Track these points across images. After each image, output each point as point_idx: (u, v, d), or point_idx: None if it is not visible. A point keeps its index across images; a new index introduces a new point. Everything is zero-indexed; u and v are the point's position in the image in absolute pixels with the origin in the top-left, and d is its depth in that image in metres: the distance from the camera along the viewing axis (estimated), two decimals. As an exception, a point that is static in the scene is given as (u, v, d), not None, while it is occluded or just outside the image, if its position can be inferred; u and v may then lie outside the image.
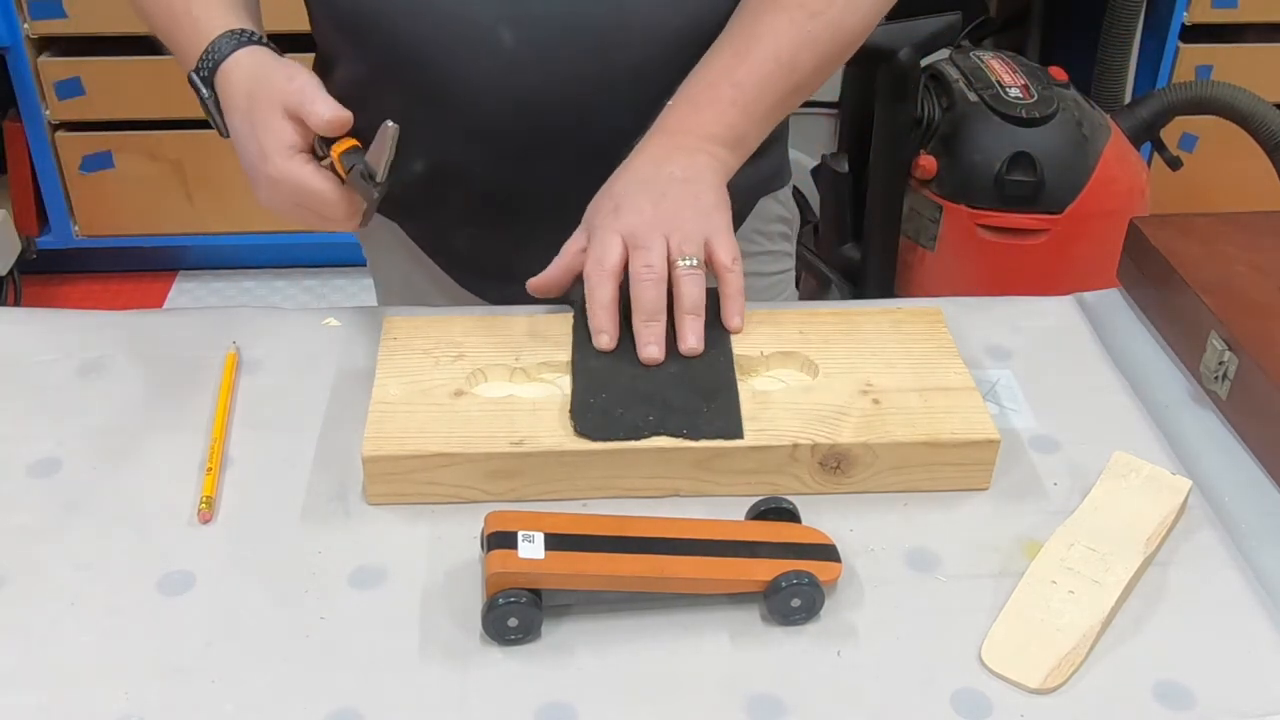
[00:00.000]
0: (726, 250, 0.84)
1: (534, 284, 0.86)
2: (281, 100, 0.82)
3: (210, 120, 0.89)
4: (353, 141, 0.82)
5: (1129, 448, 0.80)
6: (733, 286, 0.84)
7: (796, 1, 0.88)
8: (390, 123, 0.80)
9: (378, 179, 0.81)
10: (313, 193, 0.82)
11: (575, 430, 0.75)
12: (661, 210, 0.83)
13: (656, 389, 0.79)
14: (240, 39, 0.86)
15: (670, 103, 0.89)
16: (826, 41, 0.90)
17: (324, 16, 0.96)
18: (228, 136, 0.88)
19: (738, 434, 0.75)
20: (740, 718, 0.63)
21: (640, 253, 0.82)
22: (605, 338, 0.82)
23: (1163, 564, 0.73)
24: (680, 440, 0.75)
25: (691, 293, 0.82)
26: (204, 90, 0.87)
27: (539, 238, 0.97)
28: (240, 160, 0.87)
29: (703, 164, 0.86)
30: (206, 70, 0.86)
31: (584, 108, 0.91)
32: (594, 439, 0.75)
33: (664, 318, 0.82)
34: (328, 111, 0.81)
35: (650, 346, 0.81)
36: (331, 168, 0.82)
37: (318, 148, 0.83)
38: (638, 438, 0.75)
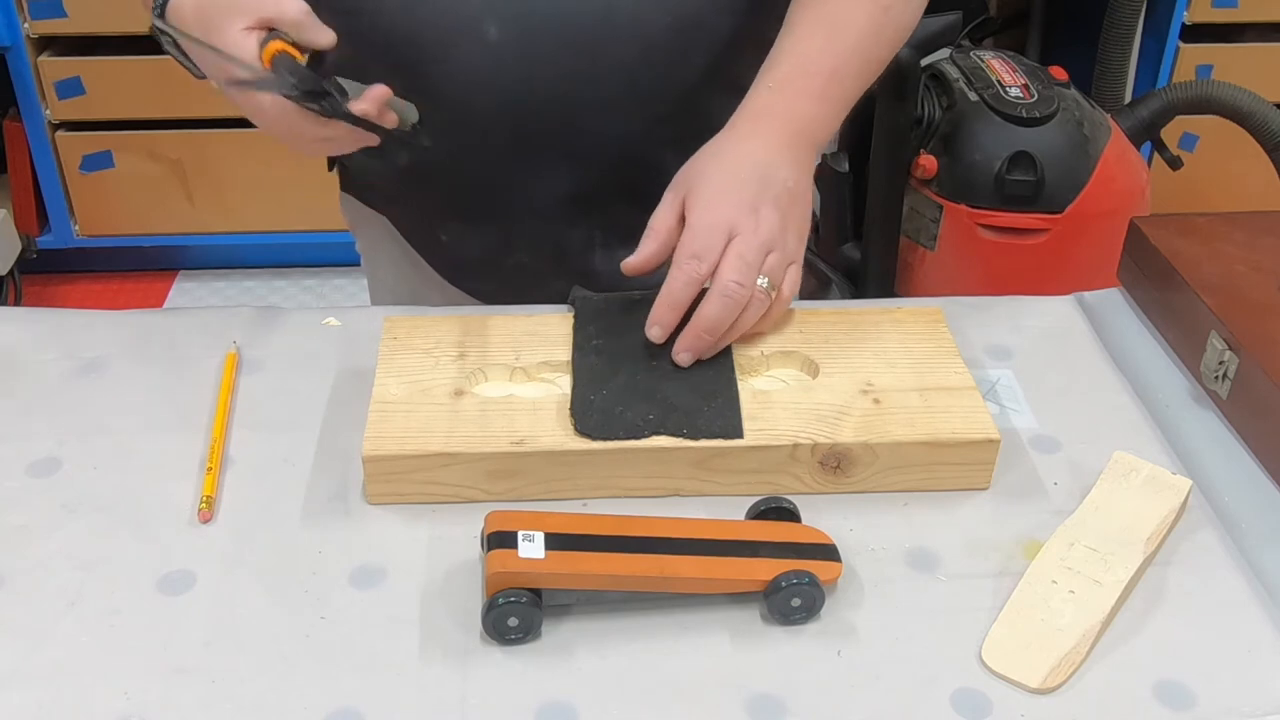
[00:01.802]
0: (793, 285, 0.83)
1: (630, 266, 0.83)
2: (242, 9, 0.79)
3: (184, 65, 0.85)
4: (283, 46, 0.78)
5: (1129, 448, 0.80)
6: (774, 314, 0.83)
7: None
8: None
9: (289, 76, 0.77)
10: (258, 102, 0.79)
11: (575, 429, 0.75)
12: (773, 222, 0.81)
13: (656, 387, 0.79)
14: None
15: (767, 83, 0.85)
16: (891, 36, 0.89)
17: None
18: (202, 77, 0.85)
19: (737, 434, 0.75)
20: (740, 718, 0.63)
21: (738, 264, 0.79)
22: (658, 330, 0.80)
23: (1163, 564, 0.73)
24: (680, 440, 0.75)
25: (750, 317, 0.81)
26: (160, 26, 0.82)
27: (523, 235, 0.97)
28: (211, 80, 0.84)
29: (804, 172, 0.84)
30: (158, 9, 0.82)
31: (571, 104, 0.91)
32: (594, 438, 0.75)
33: (719, 336, 0.80)
34: (325, 38, 0.79)
35: (687, 354, 0.80)
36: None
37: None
38: (638, 437, 0.75)
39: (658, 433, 0.75)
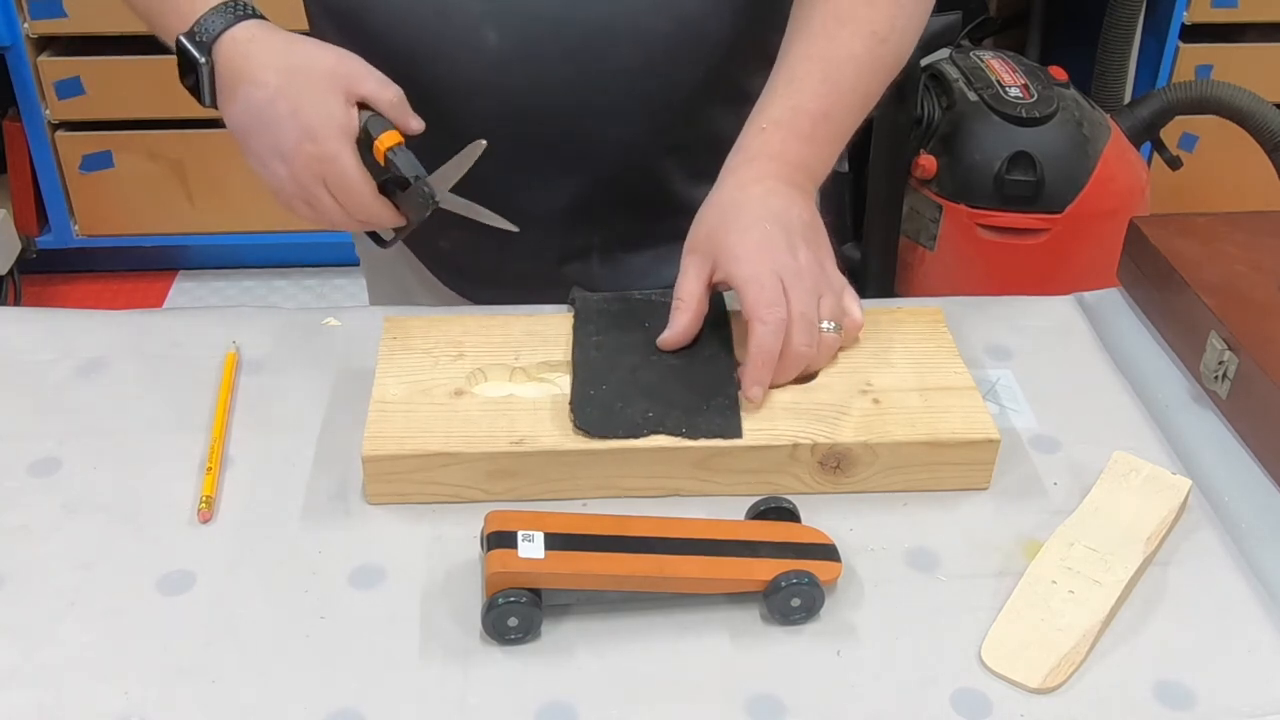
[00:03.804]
0: (856, 305, 0.83)
1: (665, 341, 0.81)
2: (344, 83, 0.81)
3: (193, 87, 0.86)
4: (399, 138, 0.81)
5: (1129, 448, 0.80)
6: (851, 337, 0.83)
7: (867, 26, 0.85)
8: (482, 141, 0.81)
9: (435, 197, 0.80)
10: (351, 186, 0.81)
11: (574, 425, 0.75)
12: (811, 262, 0.80)
13: (657, 385, 0.79)
14: (237, 12, 0.84)
15: (760, 123, 0.84)
16: (888, 68, 0.87)
17: (315, 6, 0.96)
18: (209, 105, 0.85)
19: (736, 434, 0.75)
20: (740, 718, 0.63)
21: (802, 324, 0.78)
22: (759, 390, 0.78)
23: (1163, 564, 0.73)
24: (680, 439, 0.75)
25: (824, 358, 0.80)
26: (200, 57, 0.83)
27: (525, 242, 0.97)
28: (250, 138, 0.84)
29: (811, 204, 0.84)
30: (202, 37, 0.83)
31: (572, 110, 0.91)
32: (593, 435, 0.75)
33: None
34: (418, 124, 0.83)
35: (759, 389, 0.78)
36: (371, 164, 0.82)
37: (363, 136, 0.82)
38: (636, 435, 0.75)
39: (656, 431, 0.75)
